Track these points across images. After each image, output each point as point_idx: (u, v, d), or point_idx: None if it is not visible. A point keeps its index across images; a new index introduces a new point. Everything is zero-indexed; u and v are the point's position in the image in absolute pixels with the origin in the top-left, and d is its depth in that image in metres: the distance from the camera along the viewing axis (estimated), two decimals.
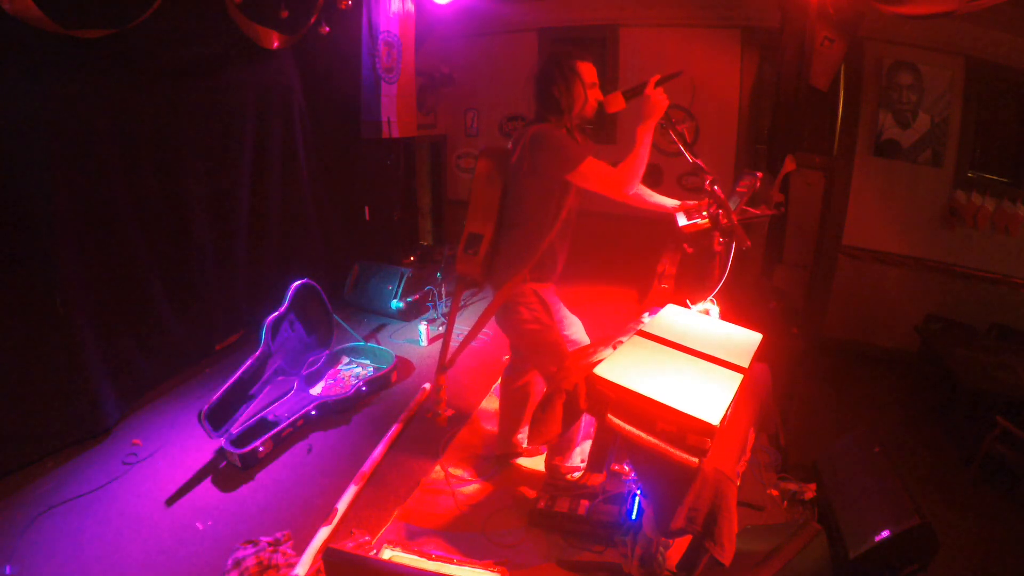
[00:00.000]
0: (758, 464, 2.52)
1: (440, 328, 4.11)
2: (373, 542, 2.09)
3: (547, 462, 2.37)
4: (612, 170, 1.88)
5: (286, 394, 3.03)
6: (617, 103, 1.92)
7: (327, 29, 3.68)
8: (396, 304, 4.20)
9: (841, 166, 3.95)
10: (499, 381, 2.68)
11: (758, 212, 2.22)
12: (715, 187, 1.72)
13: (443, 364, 2.43)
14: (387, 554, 1.95)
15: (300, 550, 2.03)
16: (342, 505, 2.27)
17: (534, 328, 2.09)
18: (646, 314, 1.81)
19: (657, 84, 1.85)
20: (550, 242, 2.04)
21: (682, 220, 2.03)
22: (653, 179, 5.10)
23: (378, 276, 4.38)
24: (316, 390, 3.16)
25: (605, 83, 2.06)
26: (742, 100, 4.64)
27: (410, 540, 2.12)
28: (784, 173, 3.36)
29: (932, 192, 3.73)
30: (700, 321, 1.73)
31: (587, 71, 1.95)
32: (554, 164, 1.89)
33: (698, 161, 1.79)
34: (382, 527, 2.20)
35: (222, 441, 2.51)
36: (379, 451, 2.63)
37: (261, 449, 2.55)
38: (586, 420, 2.05)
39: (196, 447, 2.67)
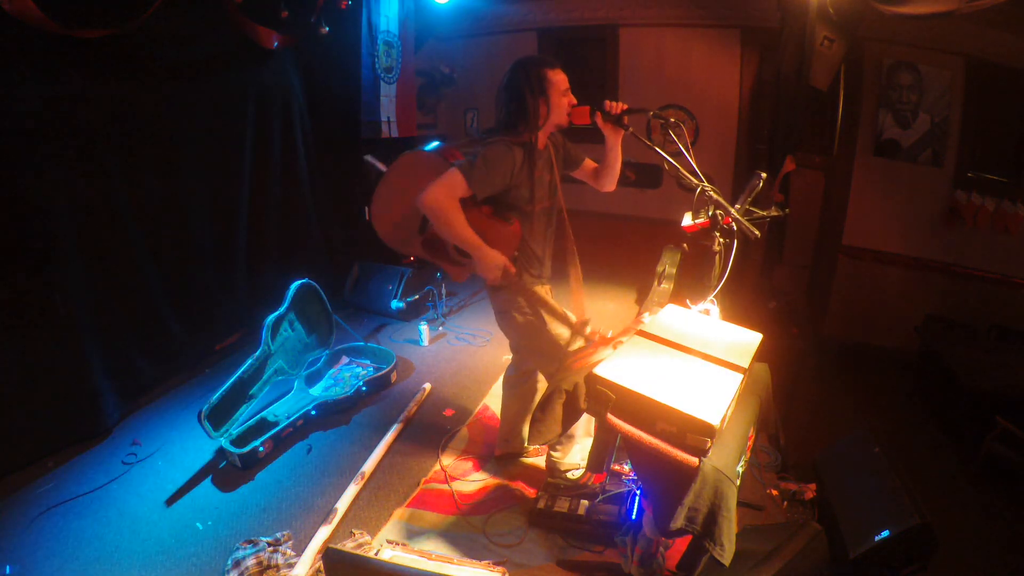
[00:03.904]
0: (758, 464, 2.52)
1: (440, 328, 4.11)
2: (373, 542, 2.09)
3: (547, 458, 2.37)
4: (442, 192, 1.79)
5: (286, 394, 3.03)
6: (583, 117, 1.92)
7: (327, 29, 3.69)
8: (396, 304, 4.20)
9: (841, 166, 3.96)
10: (499, 381, 2.68)
11: (765, 213, 2.23)
12: (708, 190, 1.73)
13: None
14: (387, 554, 1.95)
15: (300, 550, 2.03)
16: (342, 505, 2.27)
17: (529, 330, 2.10)
18: (646, 314, 1.81)
19: (625, 112, 1.87)
20: (525, 242, 2.04)
21: (684, 220, 2.04)
22: (652, 179, 5.11)
23: (378, 276, 4.38)
24: (316, 390, 3.16)
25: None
26: (742, 100, 4.65)
27: (410, 540, 2.12)
28: (784, 173, 3.37)
29: (932, 192, 3.73)
30: (700, 321, 1.73)
31: (559, 79, 1.92)
32: (469, 159, 1.86)
33: (681, 171, 1.79)
34: (382, 527, 2.20)
35: (222, 441, 2.51)
36: (379, 451, 2.63)
37: (261, 449, 2.55)
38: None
39: (196, 447, 2.67)
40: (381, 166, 2.05)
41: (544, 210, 2.06)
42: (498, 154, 1.85)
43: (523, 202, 1.97)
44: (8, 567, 1.95)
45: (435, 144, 2.06)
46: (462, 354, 3.74)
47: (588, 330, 2.00)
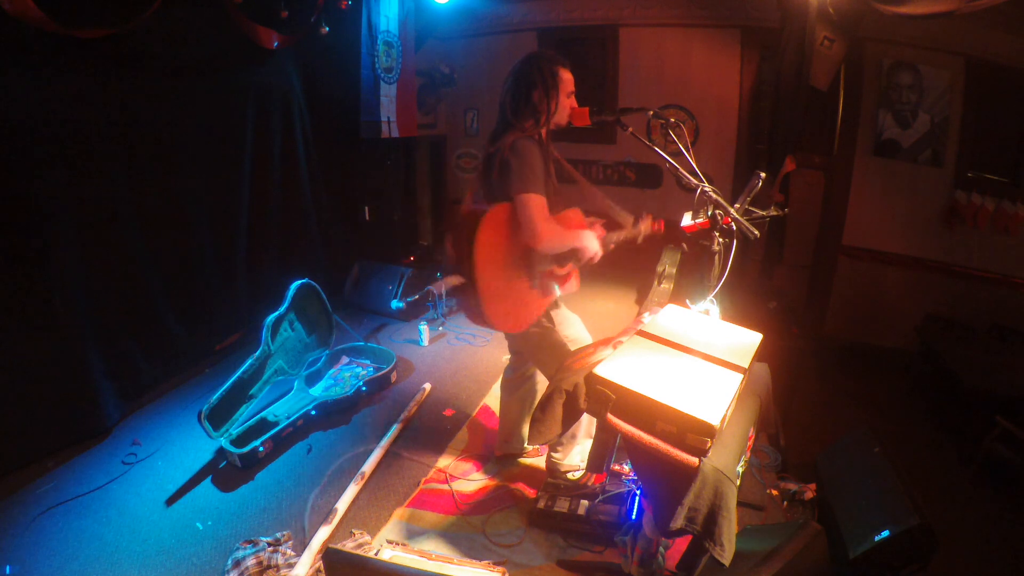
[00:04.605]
0: (758, 464, 2.52)
1: (440, 328, 4.11)
2: (373, 542, 2.09)
3: (548, 459, 2.37)
4: (542, 221, 1.79)
5: (286, 394, 3.03)
6: (583, 119, 1.93)
7: (327, 29, 3.69)
8: (396, 304, 4.20)
9: (841, 166, 3.96)
10: (499, 381, 2.68)
11: (764, 213, 2.22)
12: (708, 190, 1.73)
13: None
14: (387, 554, 1.95)
15: (300, 550, 2.03)
16: (342, 505, 2.27)
17: (535, 332, 2.09)
18: (646, 314, 1.81)
19: (622, 112, 1.89)
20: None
21: (684, 220, 2.03)
22: (652, 180, 5.11)
23: (378, 276, 4.38)
24: (316, 390, 3.16)
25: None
26: (742, 100, 4.65)
27: (410, 540, 2.12)
28: (784, 173, 3.36)
29: (932, 192, 3.73)
30: (700, 321, 1.73)
31: (568, 78, 1.94)
32: (513, 176, 1.81)
33: (681, 171, 1.79)
34: (382, 527, 2.20)
35: (222, 441, 2.51)
36: (379, 451, 2.63)
37: (261, 449, 2.55)
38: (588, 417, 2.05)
39: (196, 447, 2.67)
40: (455, 280, 1.91)
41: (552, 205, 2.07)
42: (528, 148, 1.84)
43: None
44: (8, 567, 1.95)
45: (474, 207, 1.90)
46: (462, 354, 3.74)
47: (645, 225, 2.16)
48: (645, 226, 2.16)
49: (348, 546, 2.02)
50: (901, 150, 3.76)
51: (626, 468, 2.34)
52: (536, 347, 2.14)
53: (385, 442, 2.70)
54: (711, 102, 4.73)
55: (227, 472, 2.52)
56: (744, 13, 4.43)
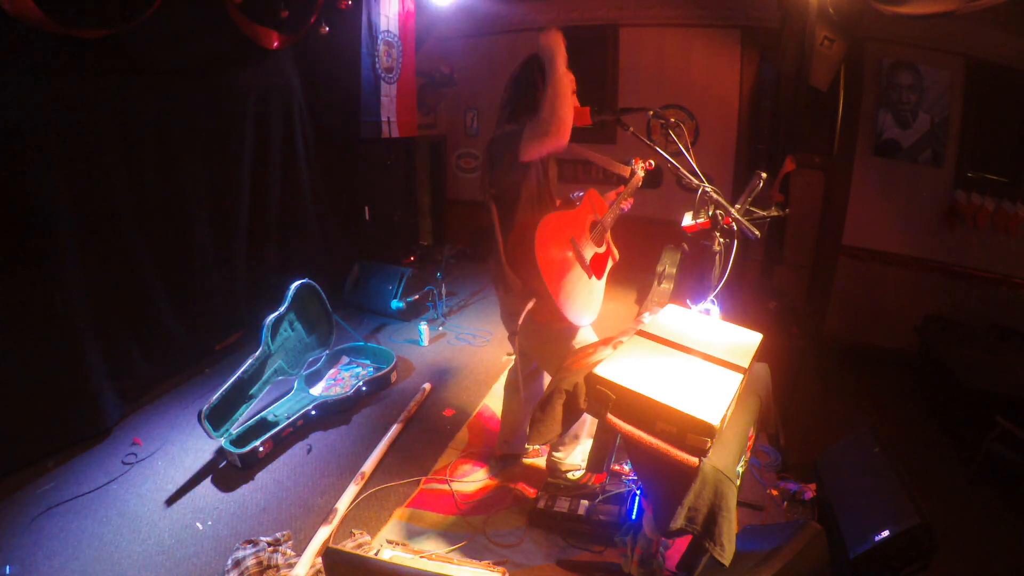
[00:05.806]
0: (758, 464, 2.52)
1: (440, 328, 4.11)
2: (373, 542, 2.09)
3: (548, 458, 2.37)
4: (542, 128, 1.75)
5: (286, 394, 3.03)
6: (584, 119, 1.93)
7: (327, 29, 3.69)
8: (396, 304, 4.20)
9: (841, 166, 3.96)
10: (499, 381, 2.68)
11: (765, 213, 2.23)
12: (708, 190, 1.73)
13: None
14: (387, 554, 1.95)
15: (300, 550, 2.03)
16: (342, 505, 2.27)
17: (548, 335, 2.08)
18: (646, 314, 1.81)
19: (623, 112, 1.92)
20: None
21: (684, 220, 2.04)
22: (652, 179, 5.11)
23: (378, 276, 4.38)
24: (316, 390, 3.16)
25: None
26: (742, 100, 4.65)
27: (410, 540, 2.12)
28: (784, 173, 3.36)
29: (932, 192, 3.73)
30: (700, 321, 1.73)
31: (569, 78, 1.92)
32: (496, 167, 1.85)
33: (681, 170, 1.79)
34: (382, 527, 2.20)
35: (222, 441, 2.51)
36: (379, 451, 2.63)
37: (261, 449, 2.55)
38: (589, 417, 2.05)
39: (196, 447, 2.67)
40: (530, 304, 1.98)
41: (552, 203, 2.07)
42: (508, 131, 1.85)
43: (537, 192, 1.98)
44: (8, 567, 1.95)
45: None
46: (462, 354, 3.75)
47: (639, 166, 2.17)
48: (640, 167, 2.19)
49: (348, 546, 2.02)
50: (901, 150, 3.76)
51: (626, 468, 2.34)
52: (545, 350, 2.13)
53: (385, 442, 2.70)
54: (711, 102, 4.73)
55: (227, 472, 2.52)
56: (744, 13, 4.43)
